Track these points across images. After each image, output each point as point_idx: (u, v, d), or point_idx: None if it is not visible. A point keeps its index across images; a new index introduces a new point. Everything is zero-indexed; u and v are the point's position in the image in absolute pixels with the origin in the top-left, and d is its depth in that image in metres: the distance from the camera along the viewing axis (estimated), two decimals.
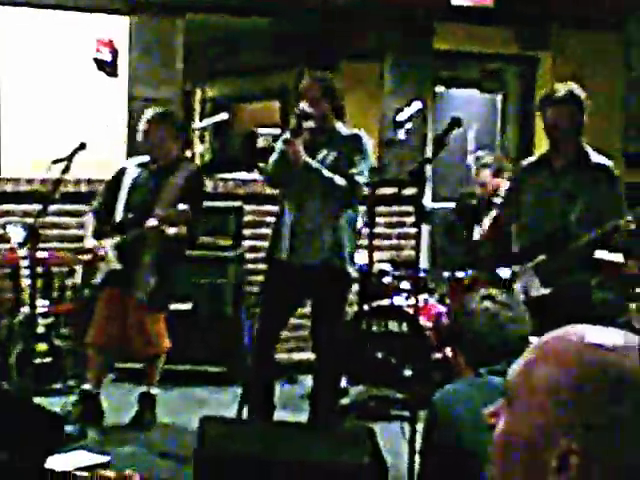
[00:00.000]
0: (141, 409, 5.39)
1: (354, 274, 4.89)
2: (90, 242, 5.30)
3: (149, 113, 5.37)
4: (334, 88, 4.79)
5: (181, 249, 5.38)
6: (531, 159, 4.72)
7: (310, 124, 4.67)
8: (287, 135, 4.66)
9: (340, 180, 4.61)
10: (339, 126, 4.82)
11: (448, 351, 2.50)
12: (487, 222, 5.19)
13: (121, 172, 5.41)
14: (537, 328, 2.54)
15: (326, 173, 4.61)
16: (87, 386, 5.32)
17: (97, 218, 5.37)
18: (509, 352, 2.07)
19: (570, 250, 4.32)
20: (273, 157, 4.77)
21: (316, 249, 4.70)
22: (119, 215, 5.29)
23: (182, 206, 4.95)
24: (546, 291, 4.34)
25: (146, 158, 5.39)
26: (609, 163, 4.45)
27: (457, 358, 2.54)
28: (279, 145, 4.77)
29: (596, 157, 4.46)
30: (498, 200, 5.52)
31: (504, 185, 6.26)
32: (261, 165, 4.83)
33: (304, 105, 4.66)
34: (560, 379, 1.11)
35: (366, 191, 5.23)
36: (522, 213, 4.61)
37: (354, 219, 4.87)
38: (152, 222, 5.06)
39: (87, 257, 5.33)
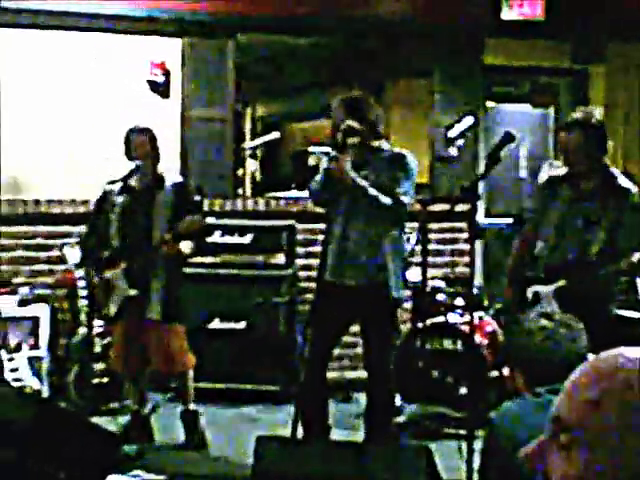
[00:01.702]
0: (186, 427, 5.42)
1: (400, 295, 4.77)
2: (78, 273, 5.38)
3: (129, 129, 5.32)
4: (363, 108, 4.65)
5: (183, 261, 5.44)
6: (558, 172, 4.65)
7: (355, 140, 4.62)
8: (333, 152, 4.60)
9: (385, 199, 4.55)
10: (383, 144, 4.76)
11: (505, 370, 2.46)
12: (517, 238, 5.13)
13: (102, 199, 5.32)
14: None
15: (372, 191, 4.55)
16: (134, 406, 5.44)
17: (91, 250, 5.38)
18: (567, 371, 2.02)
19: (592, 279, 4.26)
20: (319, 175, 4.71)
21: (359, 269, 4.65)
22: (116, 242, 5.24)
23: (191, 217, 5.01)
24: None
25: (123, 181, 5.24)
26: (634, 189, 4.37)
27: (515, 377, 2.51)
28: (324, 162, 4.72)
29: (623, 181, 4.40)
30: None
31: None
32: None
33: (350, 121, 4.61)
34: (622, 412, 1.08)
35: (418, 208, 5.21)
36: (545, 232, 4.56)
37: (400, 239, 4.79)
38: (167, 237, 5.07)
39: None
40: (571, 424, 1.12)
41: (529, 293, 4.42)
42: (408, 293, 6.12)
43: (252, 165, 8.40)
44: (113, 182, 5.19)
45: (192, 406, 5.43)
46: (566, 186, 4.49)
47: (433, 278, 6.20)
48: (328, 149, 4.78)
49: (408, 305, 6.33)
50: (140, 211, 5.22)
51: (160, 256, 5.14)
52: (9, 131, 6.60)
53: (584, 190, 4.41)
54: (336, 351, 5.14)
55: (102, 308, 5.33)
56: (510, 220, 6.58)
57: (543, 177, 6.11)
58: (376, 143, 4.72)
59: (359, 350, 5.85)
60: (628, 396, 1.09)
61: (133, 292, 5.19)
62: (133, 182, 5.24)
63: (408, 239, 5.82)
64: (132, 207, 5.22)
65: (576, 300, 4.14)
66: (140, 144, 5.22)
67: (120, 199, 5.24)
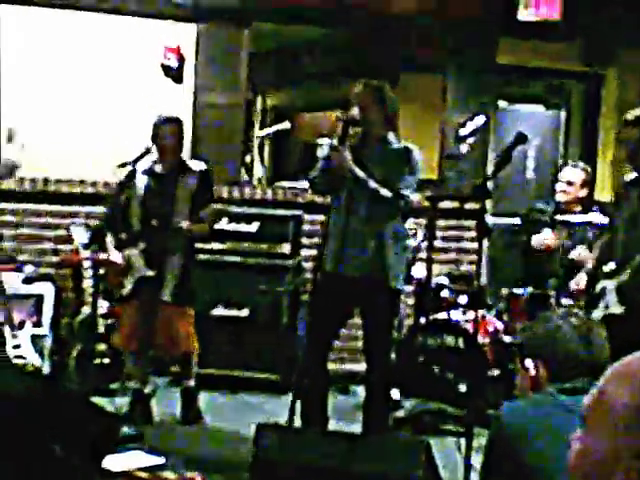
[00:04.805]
0: (184, 403, 5.52)
1: (401, 288, 4.77)
2: (116, 256, 5.38)
3: (159, 117, 5.42)
4: (386, 97, 4.69)
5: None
6: (630, 176, 4.68)
7: (357, 130, 4.62)
8: (333, 142, 4.57)
9: (386, 192, 4.55)
10: (390, 137, 4.75)
11: (528, 362, 2.43)
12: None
13: (127, 181, 5.38)
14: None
15: (372, 183, 4.54)
16: (136, 385, 5.50)
17: (113, 230, 5.46)
18: (597, 369, 1.99)
19: None
20: (319, 164, 4.70)
21: (359, 261, 4.63)
22: (137, 223, 5.37)
23: (215, 206, 5.46)
24: (619, 310, 4.31)
25: (148, 164, 5.40)
26: None
27: (538, 372, 2.50)
28: (325, 151, 4.68)
29: None
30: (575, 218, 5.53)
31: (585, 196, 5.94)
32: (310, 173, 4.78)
33: (352, 111, 4.62)
34: (629, 403, 1.12)
35: (426, 204, 5.21)
36: (616, 231, 4.61)
37: (402, 232, 4.79)
38: (185, 224, 5.27)
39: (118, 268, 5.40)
40: (583, 409, 1.24)
41: (598, 288, 4.48)
42: (412, 288, 6.16)
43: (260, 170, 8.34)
44: (133, 164, 5.25)
45: (192, 384, 5.53)
46: (635, 186, 4.53)
47: (438, 275, 6.20)
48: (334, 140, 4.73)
49: (411, 301, 6.36)
50: (163, 194, 5.36)
51: (179, 239, 5.29)
52: (21, 112, 6.62)
53: None
54: (336, 343, 5.13)
55: (115, 287, 5.45)
56: (517, 220, 6.56)
57: (564, 177, 5.94)
58: (387, 134, 4.72)
59: (359, 343, 5.87)
60: (628, 390, 1.16)
61: (150, 272, 5.30)
62: (157, 167, 5.39)
63: (415, 235, 5.84)
64: (155, 190, 5.37)
65: (632, 293, 4.22)
66: (171, 133, 5.36)
67: (144, 181, 5.38)
